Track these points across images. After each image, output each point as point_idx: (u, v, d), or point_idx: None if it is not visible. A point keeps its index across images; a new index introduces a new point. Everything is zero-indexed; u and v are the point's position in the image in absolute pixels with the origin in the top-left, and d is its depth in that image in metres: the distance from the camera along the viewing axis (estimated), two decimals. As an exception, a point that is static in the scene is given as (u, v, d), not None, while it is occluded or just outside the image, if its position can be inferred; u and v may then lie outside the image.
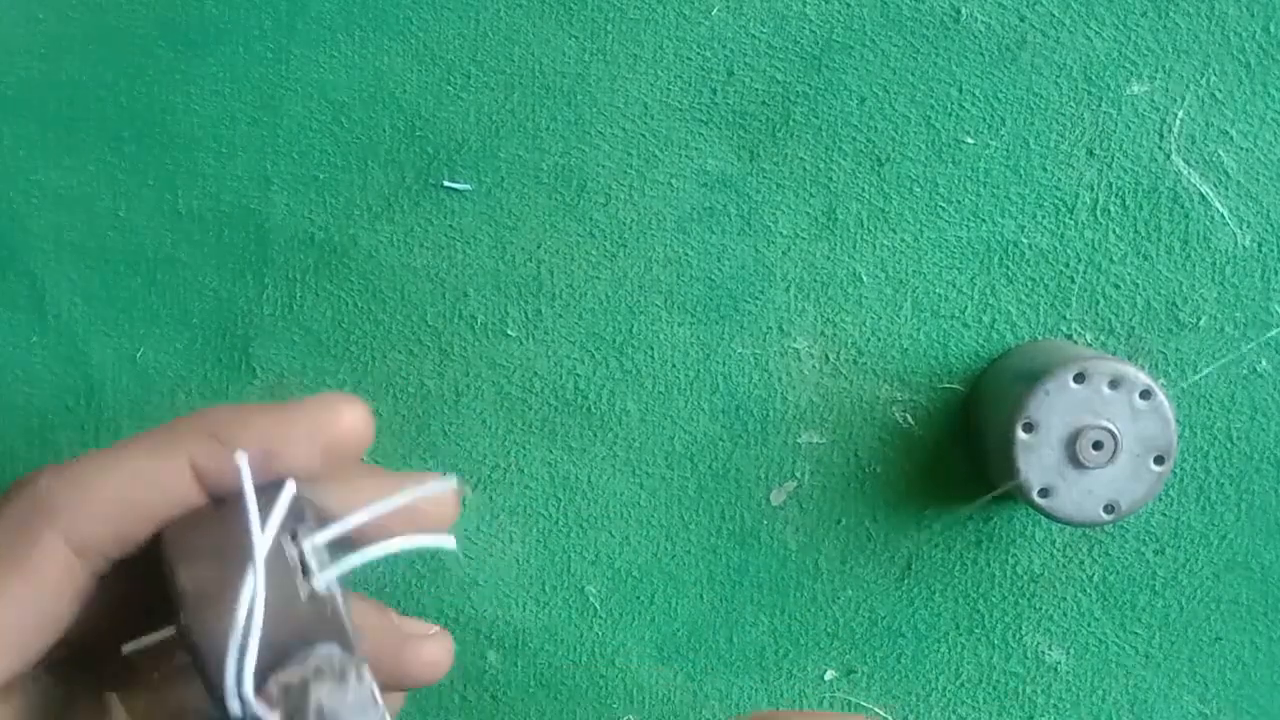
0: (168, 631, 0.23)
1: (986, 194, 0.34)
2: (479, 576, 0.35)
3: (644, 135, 0.34)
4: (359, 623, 0.24)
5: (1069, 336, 0.34)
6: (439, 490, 0.25)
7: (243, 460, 0.23)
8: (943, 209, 0.34)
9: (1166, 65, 0.33)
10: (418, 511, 0.26)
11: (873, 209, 0.34)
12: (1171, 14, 0.33)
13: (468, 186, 0.34)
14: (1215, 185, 0.34)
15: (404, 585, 0.35)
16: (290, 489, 0.23)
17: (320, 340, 0.35)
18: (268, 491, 0.23)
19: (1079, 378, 0.31)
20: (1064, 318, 0.34)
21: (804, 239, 0.34)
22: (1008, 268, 0.34)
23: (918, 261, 0.34)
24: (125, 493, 0.23)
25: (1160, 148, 0.34)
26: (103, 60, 0.34)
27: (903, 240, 0.34)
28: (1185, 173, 0.34)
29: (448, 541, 0.25)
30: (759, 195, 0.34)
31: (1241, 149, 0.34)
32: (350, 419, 0.25)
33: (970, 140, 0.34)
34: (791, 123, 0.34)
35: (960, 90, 0.34)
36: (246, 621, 0.21)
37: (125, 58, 0.34)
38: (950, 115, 0.34)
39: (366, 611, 0.27)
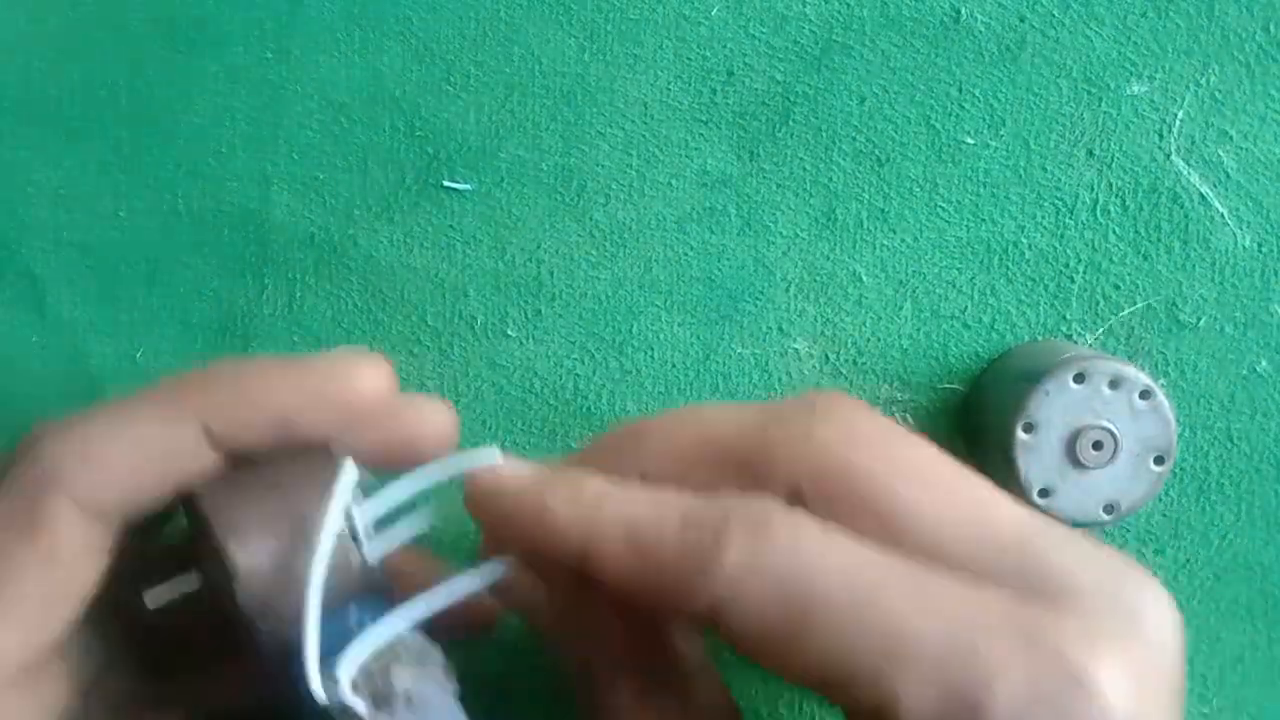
0: (191, 583, 0.23)
1: (986, 194, 0.34)
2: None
3: (644, 135, 0.34)
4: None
5: (1069, 336, 0.34)
6: (484, 460, 0.25)
7: (348, 467, 0.22)
8: (943, 209, 0.34)
9: (1166, 65, 0.33)
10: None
11: (873, 209, 0.34)
12: (1171, 14, 0.33)
13: (468, 186, 0.34)
14: (1215, 185, 0.34)
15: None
16: (351, 472, 0.22)
17: (320, 340, 0.35)
18: (306, 456, 0.23)
19: (1079, 378, 0.31)
20: (1064, 318, 0.34)
21: (804, 239, 0.34)
22: (1008, 268, 0.34)
23: (918, 261, 0.34)
24: (134, 459, 0.23)
25: (1160, 148, 0.34)
26: (103, 60, 0.34)
27: (903, 240, 0.34)
28: (1185, 173, 0.34)
29: (492, 457, 0.24)
30: (759, 195, 0.34)
31: (1241, 149, 0.34)
32: (369, 383, 0.24)
33: (970, 140, 0.34)
34: (791, 123, 0.34)
35: (960, 90, 0.34)
36: (315, 604, 0.21)
37: (125, 58, 0.34)
38: (950, 115, 0.34)
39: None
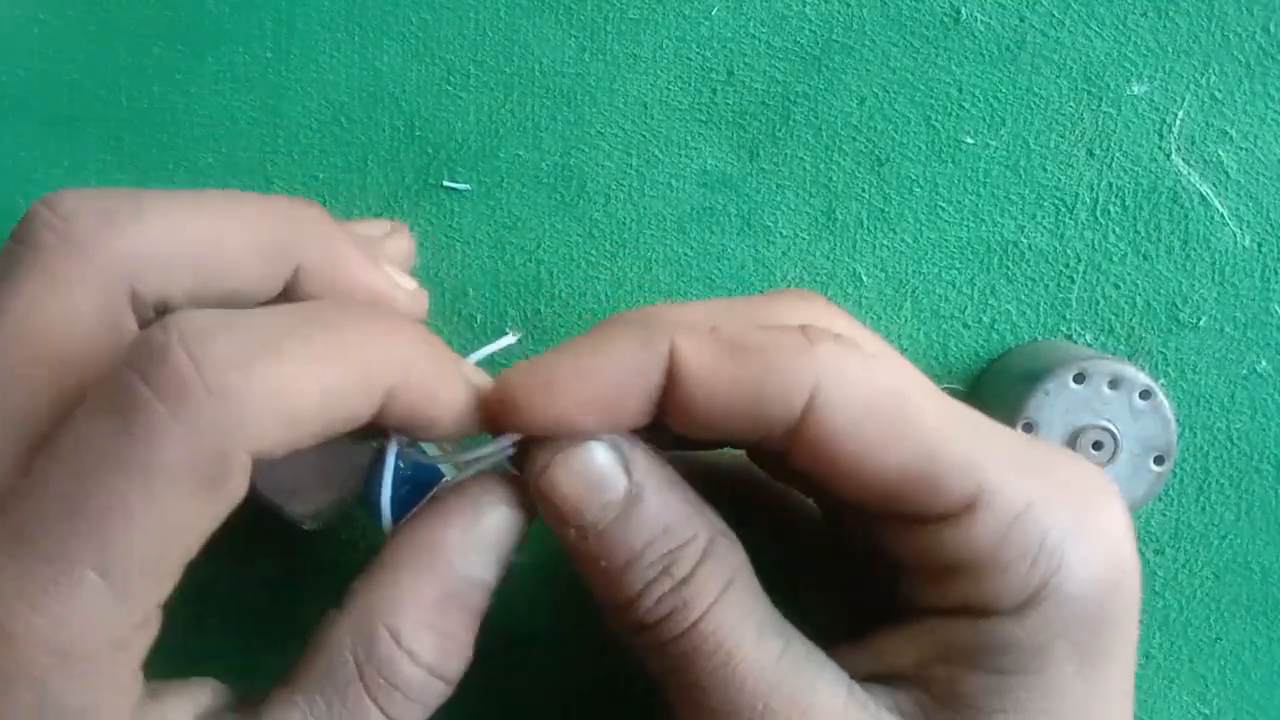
0: None
1: (986, 194, 0.34)
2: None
3: (644, 135, 0.34)
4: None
5: (1069, 336, 0.34)
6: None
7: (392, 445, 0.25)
8: (943, 209, 0.34)
9: (1166, 65, 0.33)
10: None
11: (873, 209, 0.34)
12: (1171, 14, 0.33)
13: (468, 186, 0.34)
14: (1215, 185, 0.34)
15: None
16: (393, 451, 0.25)
17: (320, 340, 0.35)
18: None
19: (1079, 378, 0.31)
20: (1064, 318, 0.34)
21: (804, 239, 0.34)
22: (1008, 268, 0.34)
23: (918, 261, 0.34)
24: (318, 407, 0.21)
25: (1160, 148, 0.34)
26: (103, 60, 0.34)
27: (903, 240, 0.34)
28: (1185, 173, 0.34)
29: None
30: (759, 195, 0.34)
31: (1241, 149, 0.34)
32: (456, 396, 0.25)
33: (970, 140, 0.34)
34: (791, 123, 0.34)
35: (960, 90, 0.34)
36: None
37: (125, 58, 0.34)
38: (950, 115, 0.34)
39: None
